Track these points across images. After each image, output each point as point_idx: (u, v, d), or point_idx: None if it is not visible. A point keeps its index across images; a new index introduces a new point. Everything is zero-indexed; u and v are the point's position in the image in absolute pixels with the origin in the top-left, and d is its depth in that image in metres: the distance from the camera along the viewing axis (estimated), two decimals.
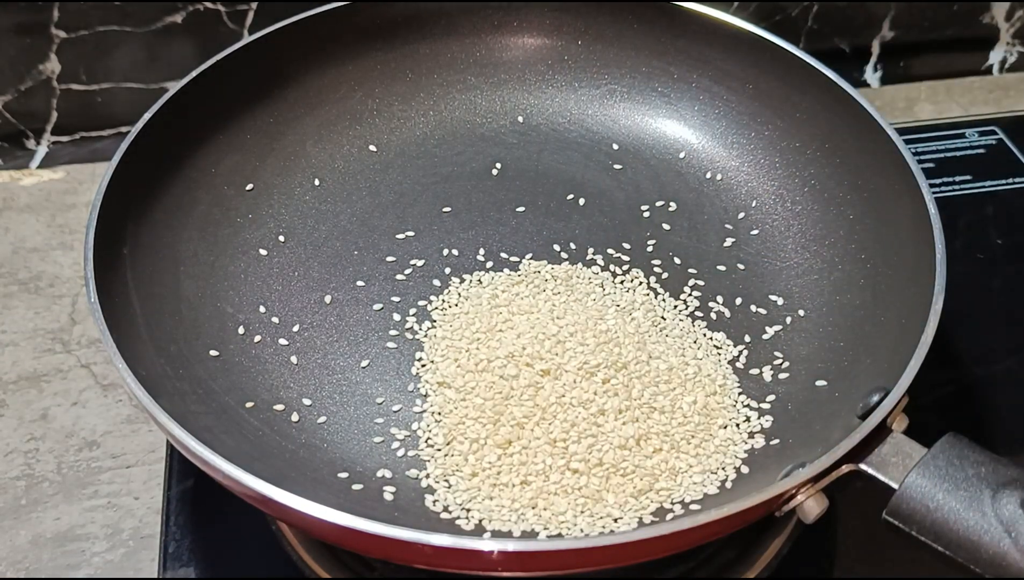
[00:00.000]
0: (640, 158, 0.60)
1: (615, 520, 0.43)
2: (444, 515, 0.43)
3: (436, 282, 0.53)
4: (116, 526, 0.50)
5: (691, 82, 0.60)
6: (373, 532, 0.36)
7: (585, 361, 0.47)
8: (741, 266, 0.54)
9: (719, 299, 0.52)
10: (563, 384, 0.47)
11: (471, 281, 0.53)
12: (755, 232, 0.55)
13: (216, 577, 0.47)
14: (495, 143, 0.60)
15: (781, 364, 0.49)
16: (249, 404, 0.47)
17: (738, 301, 0.52)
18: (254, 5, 0.66)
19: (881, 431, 0.40)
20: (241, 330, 0.50)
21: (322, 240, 0.55)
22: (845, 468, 0.39)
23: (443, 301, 0.52)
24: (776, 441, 0.46)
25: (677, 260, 0.54)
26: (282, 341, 0.50)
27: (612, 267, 0.54)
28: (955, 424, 0.40)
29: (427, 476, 0.45)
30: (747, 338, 0.51)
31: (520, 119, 0.61)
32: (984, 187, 0.67)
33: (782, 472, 0.41)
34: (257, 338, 0.50)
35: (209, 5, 0.65)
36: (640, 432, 0.45)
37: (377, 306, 0.52)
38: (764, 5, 0.71)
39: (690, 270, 0.54)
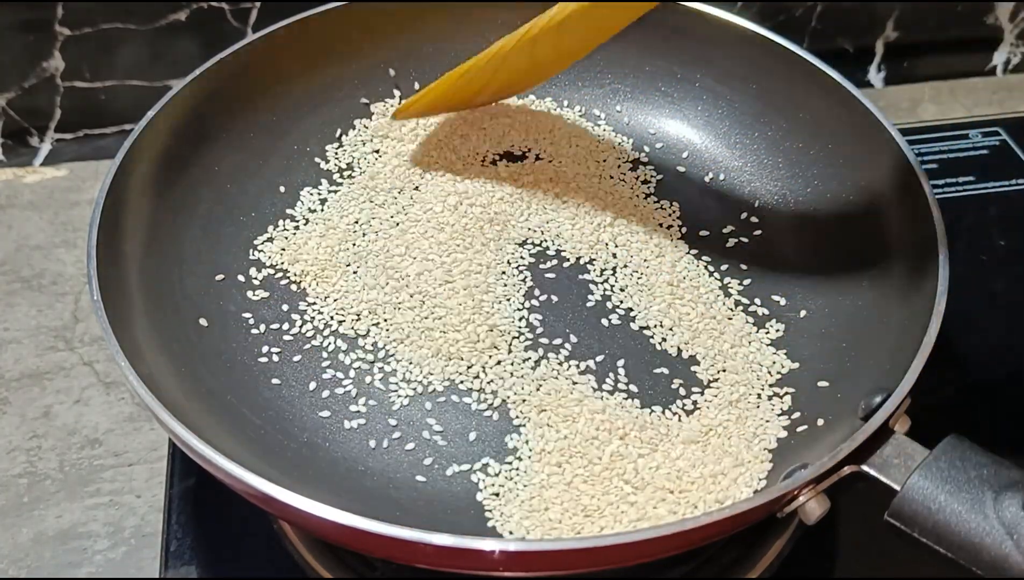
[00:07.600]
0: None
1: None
2: (448, 514, 0.43)
3: None
4: (118, 524, 0.50)
5: (695, 82, 0.60)
6: (375, 531, 0.36)
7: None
8: (744, 266, 0.54)
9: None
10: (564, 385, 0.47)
11: None
12: (758, 232, 0.55)
13: (217, 576, 0.47)
14: None
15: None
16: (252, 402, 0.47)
17: (741, 301, 0.52)
18: (257, 3, 0.66)
19: (883, 432, 0.39)
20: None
21: None
22: (847, 469, 0.39)
23: None
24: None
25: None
26: (286, 338, 0.50)
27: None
28: (957, 426, 0.40)
29: (425, 477, 0.45)
30: None
31: None
32: (987, 188, 0.67)
33: (784, 473, 0.41)
34: None
35: (213, 3, 0.65)
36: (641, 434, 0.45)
37: None
38: (768, 5, 0.71)
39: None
